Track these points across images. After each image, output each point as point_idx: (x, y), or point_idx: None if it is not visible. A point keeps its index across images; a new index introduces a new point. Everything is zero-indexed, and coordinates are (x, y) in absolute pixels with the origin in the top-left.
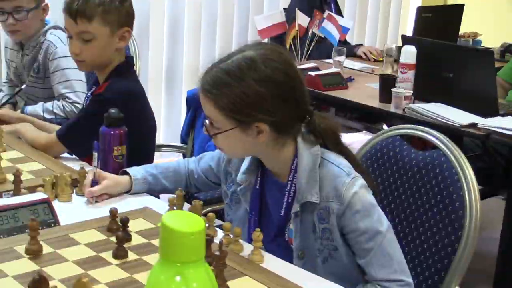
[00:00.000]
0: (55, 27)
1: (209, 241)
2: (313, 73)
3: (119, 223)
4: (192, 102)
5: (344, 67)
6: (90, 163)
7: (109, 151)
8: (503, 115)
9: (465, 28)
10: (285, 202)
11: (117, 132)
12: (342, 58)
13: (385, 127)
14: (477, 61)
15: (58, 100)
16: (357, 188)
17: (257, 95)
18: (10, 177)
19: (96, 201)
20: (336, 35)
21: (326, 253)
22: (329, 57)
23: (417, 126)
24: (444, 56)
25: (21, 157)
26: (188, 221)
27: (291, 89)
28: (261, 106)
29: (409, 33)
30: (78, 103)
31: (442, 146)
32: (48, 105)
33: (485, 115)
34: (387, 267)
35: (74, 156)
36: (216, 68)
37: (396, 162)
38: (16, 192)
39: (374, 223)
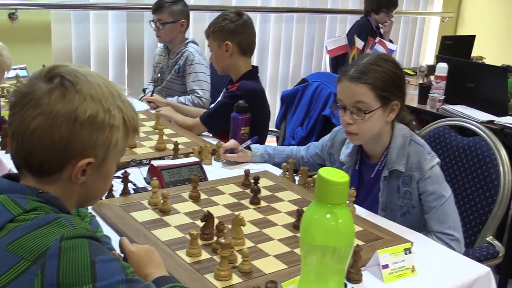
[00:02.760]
0: (193, 42)
1: None
2: None
3: (252, 180)
4: (286, 100)
5: None
6: (223, 140)
7: (238, 130)
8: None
9: (474, 52)
10: (376, 169)
11: (243, 117)
12: None
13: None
14: (493, 75)
15: (189, 95)
16: (434, 163)
17: (396, 75)
18: (169, 146)
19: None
20: None
21: (405, 209)
22: None
23: (462, 118)
24: (468, 71)
25: (173, 133)
26: (337, 175)
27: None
28: (399, 85)
29: (431, 54)
30: (203, 97)
31: (482, 133)
32: (181, 98)
33: (498, 115)
34: (443, 222)
35: (210, 134)
36: (356, 65)
37: (446, 145)
38: (175, 157)
39: (440, 189)
